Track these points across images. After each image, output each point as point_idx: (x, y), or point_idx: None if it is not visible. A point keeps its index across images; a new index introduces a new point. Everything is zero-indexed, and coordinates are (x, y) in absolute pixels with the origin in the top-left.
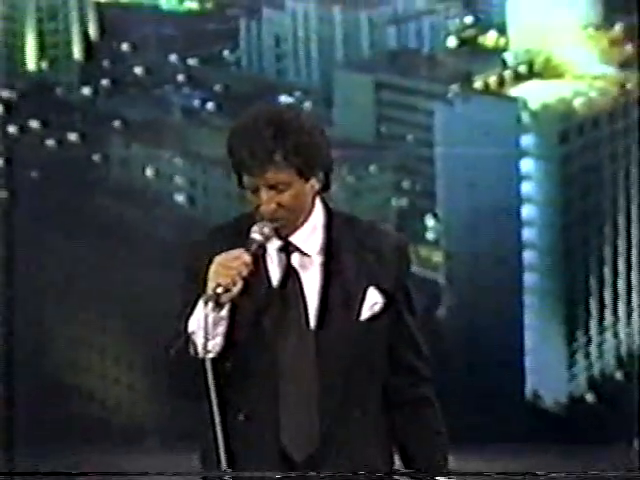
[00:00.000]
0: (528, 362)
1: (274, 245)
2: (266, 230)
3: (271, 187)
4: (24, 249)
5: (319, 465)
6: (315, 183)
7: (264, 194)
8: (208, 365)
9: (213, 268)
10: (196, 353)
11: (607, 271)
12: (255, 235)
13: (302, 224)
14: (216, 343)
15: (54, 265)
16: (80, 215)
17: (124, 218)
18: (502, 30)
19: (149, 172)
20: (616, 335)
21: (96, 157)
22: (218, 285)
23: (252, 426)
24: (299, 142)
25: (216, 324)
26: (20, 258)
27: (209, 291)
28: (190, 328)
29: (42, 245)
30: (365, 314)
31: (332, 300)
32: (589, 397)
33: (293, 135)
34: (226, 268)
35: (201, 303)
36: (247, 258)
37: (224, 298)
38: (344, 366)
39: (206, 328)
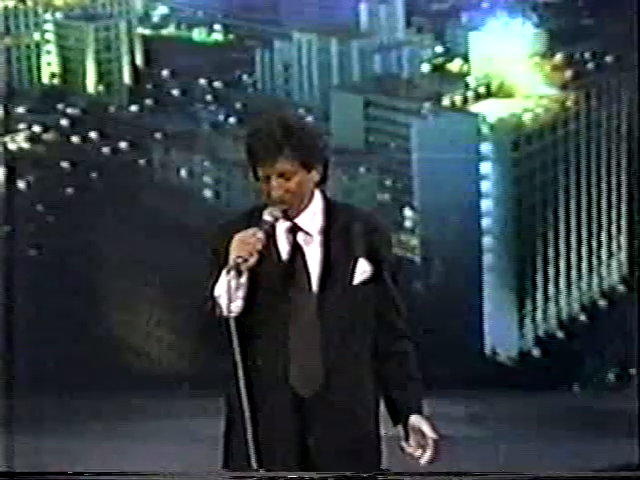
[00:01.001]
0: (487, 325)
1: (283, 226)
2: (275, 213)
3: (280, 175)
4: (90, 234)
5: (322, 400)
6: (315, 175)
7: (274, 182)
8: (232, 323)
9: (233, 244)
10: (221, 313)
11: (550, 252)
12: (267, 217)
13: (305, 209)
14: (237, 305)
15: (113, 246)
16: (130, 206)
17: (164, 209)
18: (466, 58)
19: (183, 173)
20: (557, 303)
21: (142, 161)
22: (238, 257)
23: (267, 371)
24: (302, 140)
25: (237, 289)
26: (86, 241)
27: (230, 262)
28: (216, 293)
29: (103, 231)
30: (356, 280)
31: (330, 269)
32: (535, 352)
33: (298, 134)
34: (244, 243)
35: (224, 272)
36: (261, 235)
37: (243, 267)
38: (340, 322)
39: (229, 292)
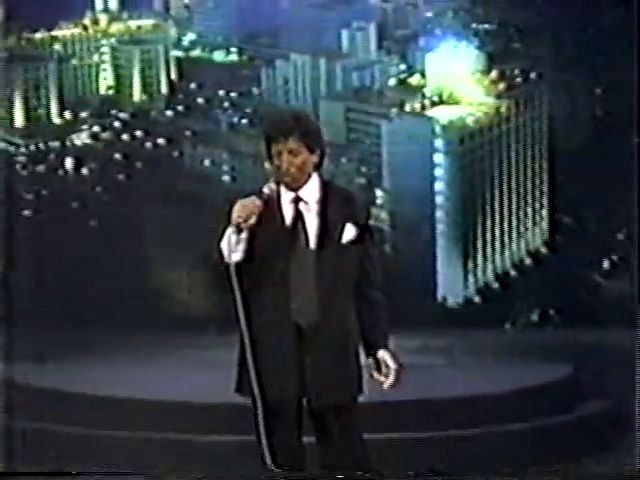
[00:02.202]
0: (440, 277)
1: (288, 197)
2: (272, 186)
3: (289, 152)
4: (135, 208)
5: (317, 331)
6: (315, 158)
7: (285, 156)
8: (232, 269)
9: (235, 207)
10: (224, 261)
11: (488, 222)
12: (265, 189)
13: (305, 184)
14: (237, 255)
15: (152, 217)
16: (165, 187)
17: (191, 189)
18: (423, 74)
19: (206, 162)
20: (493, 261)
21: (175, 153)
22: (238, 217)
23: (274, 309)
24: (308, 128)
25: (237, 243)
26: (132, 213)
27: (232, 220)
28: (221, 245)
29: (145, 205)
30: (344, 240)
31: (324, 231)
32: (477, 299)
33: (305, 123)
34: (244, 207)
35: (228, 229)
36: (258, 202)
37: (242, 225)
38: (332, 271)
39: (229, 245)
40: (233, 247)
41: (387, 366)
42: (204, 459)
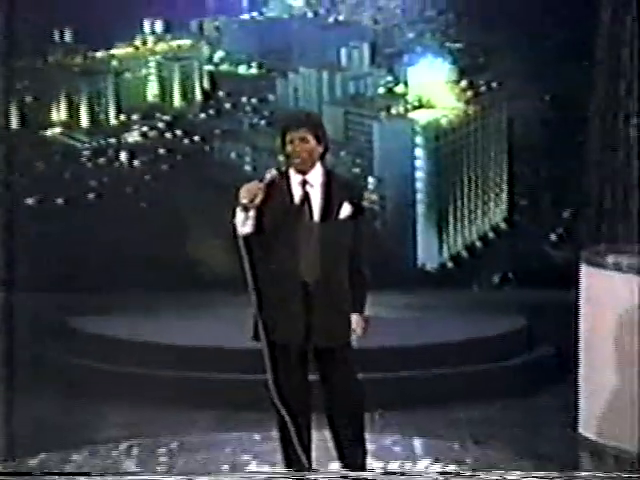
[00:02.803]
0: (419, 247)
1: (297, 180)
2: (273, 172)
3: (301, 139)
4: (175, 193)
5: (319, 285)
6: (320, 148)
7: (297, 142)
8: (241, 241)
9: (241, 191)
10: (237, 233)
11: (459, 203)
12: (267, 175)
13: (312, 169)
14: (245, 229)
15: (188, 202)
16: (200, 176)
17: (220, 177)
18: (406, 84)
19: (232, 155)
20: (463, 234)
21: (207, 148)
22: (243, 198)
23: (285, 268)
24: (316, 123)
25: (245, 219)
26: (173, 196)
27: (239, 202)
28: (234, 222)
29: (183, 191)
30: (341, 216)
31: (326, 208)
32: (450, 264)
33: (313, 119)
34: (248, 190)
35: (237, 209)
36: (261, 185)
37: (248, 205)
38: (331, 240)
39: (238, 221)
40: (242, 223)
41: (354, 325)
42: (230, 392)
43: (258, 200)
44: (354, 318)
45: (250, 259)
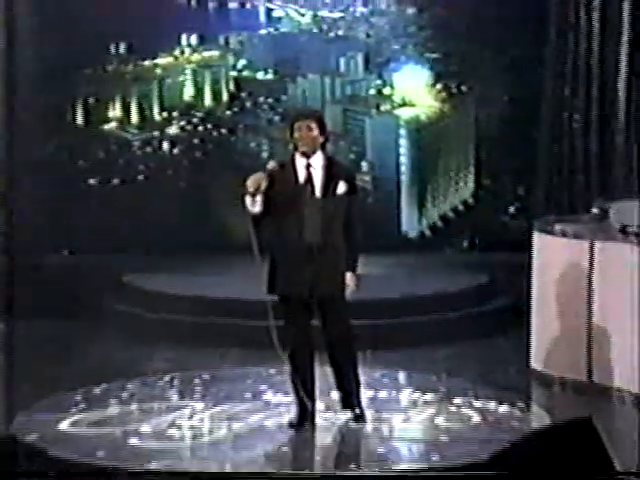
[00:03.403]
0: (403, 218)
1: (302, 163)
2: (273, 164)
3: (307, 127)
4: (204, 176)
5: (321, 247)
6: (322, 138)
7: (304, 130)
8: (250, 220)
9: (247, 181)
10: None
11: (435, 183)
12: (268, 166)
13: (314, 155)
14: (254, 210)
15: (215, 182)
16: (227, 162)
17: (242, 163)
18: (392, 87)
19: (252, 144)
20: (439, 207)
21: (232, 138)
22: (249, 187)
23: (293, 233)
24: (320, 117)
25: (253, 203)
26: (202, 177)
27: (246, 190)
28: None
29: (211, 174)
30: (338, 192)
31: (325, 186)
32: (427, 232)
33: (318, 114)
34: (253, 180)
35: (245, 195)
36: (262, 175)
37: (255, 193)
38: (330, 212)
39: (247, 205)
40: (250, 206)
41: (348, 282)
42: (252, 335)
43: (263, 187)
44: (349, 275)
45: (256, 232)
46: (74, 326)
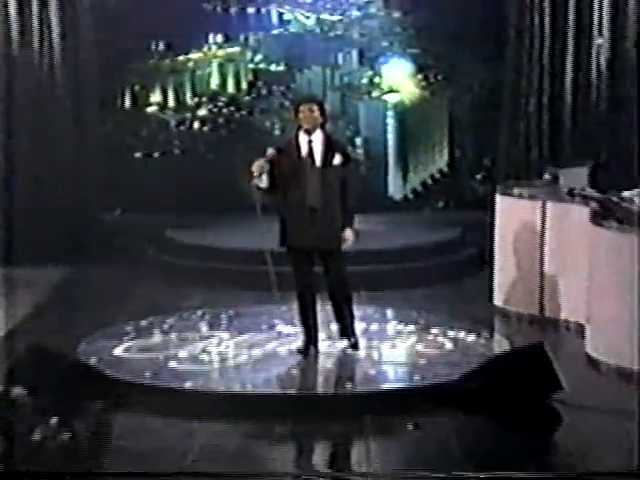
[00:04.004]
0: (390, 183)
1: (305, 139)
2: (271, 150)
3: (309, 109)
4: (232, 151)
5: (321, 209)
6: (321, 119)
7: (307, 112)
8: (257, 193)
9: (252, 166)
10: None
11: (417, 154)
12: (268, 153)
13: (314, 132)
14: (262, 185)
15: (240, 152)
16: (247, 139)
17: (258, 139)
18: (381, 76)
19: (267, 124)
20: (419, 174)
21: (250, 119)
22: (253, 171)
23: (297, 199)
24: (319, 101)
25: (260, 181)
26: (232, 153)
27: (251, 173)
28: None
29: (226, 154)
30: (335, 163)
31: (324, 158)
32: (410, 195)
33: (318, 99)
34: (256, 165)
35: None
36: (263, 160)
37: (260, 175)
38: (328, 179)
39: (253, 183)
40: (258, 183)
41: (347, 236)
42: (267, 279)
43: (265, 169)
44: (348, 230)
45: (260, 199)
46: (125, 272)
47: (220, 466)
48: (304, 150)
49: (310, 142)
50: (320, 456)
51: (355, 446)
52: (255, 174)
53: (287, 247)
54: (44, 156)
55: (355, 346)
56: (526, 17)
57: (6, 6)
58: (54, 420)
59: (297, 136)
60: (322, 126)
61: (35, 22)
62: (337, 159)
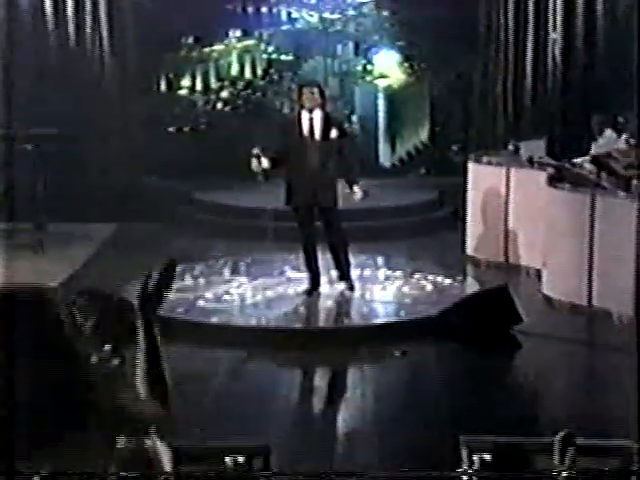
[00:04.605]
0: (380, 152)
1: (306, 117)
2: (256, 150)
3: (311, 92)
4: (248, 127)
5: (320, 173)
6: (321, 100)
7: (308, 94)
8: (260, 170)
9: (252, 165)
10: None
11: (402, 128)
12: (253, 152)
13: (314, 111)
14: (264, 165)
15: (255, 127)
16: (262, 117)
17: (271, 116)
18: (372, 64)
19: (277, 104)
20: (404, 146)
21: (264, 100)
22: (254, 169)
23: (301, 165)
24: (319, 85)
25: (259, 164)
26: (248, 128)
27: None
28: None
29: (253, 124)
30: (332, 136)
31: (323, 132)
32: (397, 163)
33: (318, 84)
34: (253, 164)
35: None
36: (256, 162)
37: (259, 161)
38: (326, 149)
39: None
40: (263, 168)
41: (356, 192)
42: (277, 233)
43: (263, 164)
44: (356, 188)
45: (264, 173)
46: (161, 227)
47: (240, 386)
48: (306, 126)
49: (311, 119)
50: (321, 377)
51: (351, 370)
52: (255, 170)
53: (292, 206)
54: (99, 130)
55: (351, 288)
56: (493, 16)
57: (64, 7)
58: (107, 347)
59: (300, 114)
60: (322, 106)
61: (88, 20)
62: (334, 133)
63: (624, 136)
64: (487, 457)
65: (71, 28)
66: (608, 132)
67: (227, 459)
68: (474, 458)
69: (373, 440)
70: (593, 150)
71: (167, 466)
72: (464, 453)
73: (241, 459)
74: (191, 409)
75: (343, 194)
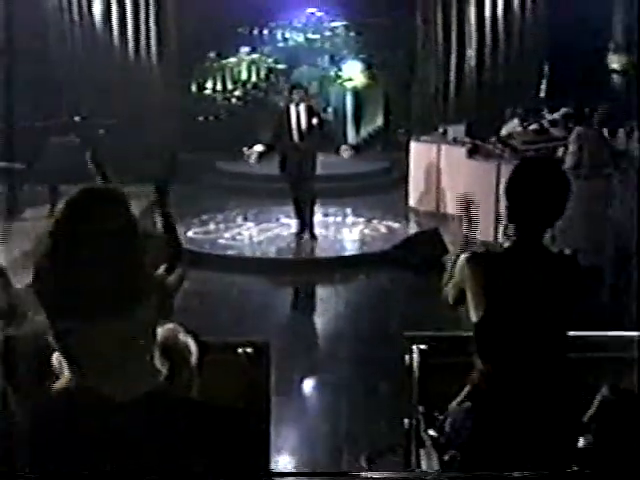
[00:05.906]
0: (348, 134)
1: (302, 108)
2: (247, 151)
3: (299, 92)
4: (255, 117)
5: (304, 147)
6: (306, 98)
7: (297, 93)
8: (257, 155)
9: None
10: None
11: (367, 117)
12: (245, 151)
13: (300, 105)
14: (259, 150)
15: (262, 115)
16: (268, 109)
17: (271, 109)
18: (342, 71)
19: (275, 99)
20: (368, 131)
21: (266, 98)
22: (248, 156)
23: (292, 142)
24: (305, 87)
25: (251, 154)
26: (256, 116)
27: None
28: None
29: (257, 114)
30: (313, 122)
31: (307, 120)
32: (361, 143)
33: (303, 86)
34: (248, 150)
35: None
36: (253, 157)
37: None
38: (310, 131)
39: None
40: (256, 157)
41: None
42: (272, 190)
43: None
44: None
45: (259, 153)
46: (191, 189)
47: (247, 302)
48: (293, 116)
49: (298, 111)
50: (305, 295)
51: (328, 288)
52: (250, 158)
53: (285, 172)
54: (146, 121)
55: (313, 237)
56: (430, 32)
57: (109, 20)
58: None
59: (288, 108)
60: (306, 101)
61: (142, 40)
62: (314, 120)
63: (525, 124)
64: (424, 347)
65: (130, 47)
66: (515, 121)
67: (239, 350)
68: (413, 348)
69: (346, 334)
70: (502, 132)
71: (195, 355)
72: (407, 344)
73: (249, 350)
74: (214, 312)
75: (323, 163)
